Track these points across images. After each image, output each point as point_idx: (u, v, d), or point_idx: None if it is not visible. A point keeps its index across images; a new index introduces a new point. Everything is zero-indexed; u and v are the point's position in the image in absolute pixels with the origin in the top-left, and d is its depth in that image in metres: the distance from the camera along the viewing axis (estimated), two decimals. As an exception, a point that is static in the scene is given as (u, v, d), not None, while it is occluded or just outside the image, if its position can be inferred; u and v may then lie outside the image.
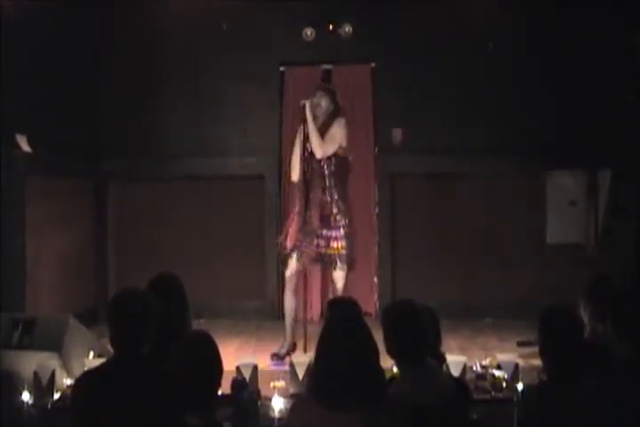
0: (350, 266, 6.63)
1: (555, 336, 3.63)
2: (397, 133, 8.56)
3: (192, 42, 8.64)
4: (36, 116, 7.44)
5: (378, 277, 8.64)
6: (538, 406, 3.56)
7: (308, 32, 8.51)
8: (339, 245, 6.58)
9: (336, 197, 6.59)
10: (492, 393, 5.12)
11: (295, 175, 6.73)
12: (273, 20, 8.53)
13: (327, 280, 7.41)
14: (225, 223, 8.67)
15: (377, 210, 8.66)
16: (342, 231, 6.57)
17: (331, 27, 8.50)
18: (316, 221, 6.56)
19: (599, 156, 8.15)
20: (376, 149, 8.61)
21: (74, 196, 8.19)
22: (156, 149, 8.68)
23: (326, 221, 6.59)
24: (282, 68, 8.75)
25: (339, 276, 6.60)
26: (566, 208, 8.41)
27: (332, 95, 6.77)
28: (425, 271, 8.50)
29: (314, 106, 6.65)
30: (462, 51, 8.41)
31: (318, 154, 6.57)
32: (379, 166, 8.61)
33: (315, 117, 6.63)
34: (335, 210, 6.58)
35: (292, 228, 6.69)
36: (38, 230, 7.12)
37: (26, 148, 7.27)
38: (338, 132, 6.63)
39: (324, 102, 6.71)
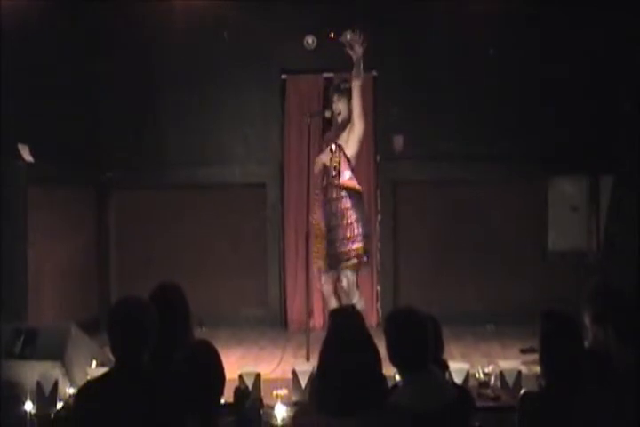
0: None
1: (554, 341, 3.62)
2: (399, 141, 8.56)
3: (193, 50, 8.66)
4: (37, 126, 7.46)
5: (380, 285, 8.63)
6: (539, 414, 3.55)
7: (310, 40, 8.53)
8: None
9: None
10: (495, 400, 5.12)
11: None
12: (274, 29, 8.56)
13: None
14: (226, 232, 8.68)
15: (379, 218, 8.66)
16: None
17: (332, 35, 8.50)
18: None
19: (600, 161, 8.14)
20: (377, 157, 8.61)
21: (75, 205, 8.20)
22: (157, 158, 8.69)
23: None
24: (283, 76, 8.77)
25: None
26: (568, 214, 8.38)
27: (349, 95, 6.41)
28: (427, 278, 8.50)
29: (334, 115, 6.41)
30: (463, 59, 8.42)
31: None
32: (380, 174, 8.62)
33: (337, 126, 6.45)
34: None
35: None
36: (40, 240, 7.13)
37: (28, 157, 7.29)
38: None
39: (341, 105, 6.43)
